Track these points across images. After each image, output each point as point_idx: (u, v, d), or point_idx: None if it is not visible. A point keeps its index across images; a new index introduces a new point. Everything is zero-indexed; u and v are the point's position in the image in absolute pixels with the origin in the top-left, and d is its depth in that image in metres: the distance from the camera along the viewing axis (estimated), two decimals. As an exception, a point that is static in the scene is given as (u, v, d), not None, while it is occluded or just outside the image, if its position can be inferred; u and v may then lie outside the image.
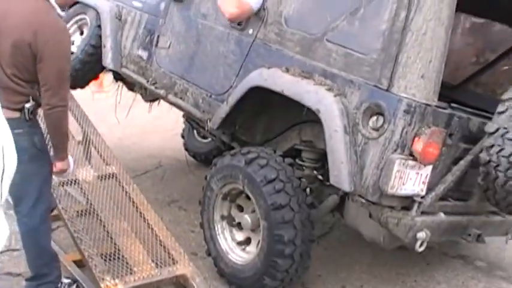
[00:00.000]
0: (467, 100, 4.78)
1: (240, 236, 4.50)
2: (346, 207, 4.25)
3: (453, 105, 3.86)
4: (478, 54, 5.51)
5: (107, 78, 6.44)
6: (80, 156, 5.07)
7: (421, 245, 3.78)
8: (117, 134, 7.64)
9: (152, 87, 5.30)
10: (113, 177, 4.95)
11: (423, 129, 3.57)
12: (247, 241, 4.44)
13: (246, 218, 4.33)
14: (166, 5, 5.32)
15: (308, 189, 4.20)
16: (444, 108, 3.73)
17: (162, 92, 5.20)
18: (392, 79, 3.60)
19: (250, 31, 4.49)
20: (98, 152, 5.26)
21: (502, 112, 3.70)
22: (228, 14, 4.55)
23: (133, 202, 4.72)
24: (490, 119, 3.83)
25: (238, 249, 4.48)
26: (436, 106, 3.65)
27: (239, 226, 4.46)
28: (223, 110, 4.50)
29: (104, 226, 4.41)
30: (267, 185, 4.05)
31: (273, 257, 4.05)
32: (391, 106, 3.57)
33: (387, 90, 3.62)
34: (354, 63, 3.81)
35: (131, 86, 6.26)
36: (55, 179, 4.42)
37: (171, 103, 5.28)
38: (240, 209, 4.45)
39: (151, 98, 6.21)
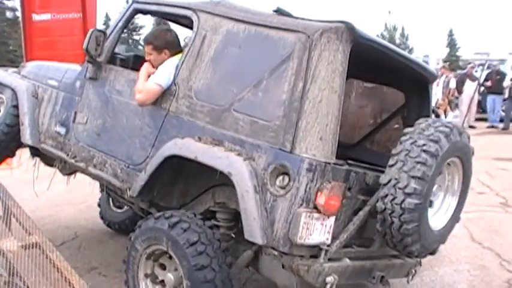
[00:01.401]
0: (364, 157, 5.22)
1: None
2: (260, 261, 4.54)
3: (350, 162, 4.31)
4: (372, 115, 6.00)
5: (24, 153, 6.60)
6: (3, 228, 5.30)
7: None
8: (30, 207, 7.61)
9: (72, 161, 5.51)
10: (36, 246, 5.15)
11: (324, 184, 3.99)
12: None
13: (169, 276, 4.54)
14: (81, 84, 5.60)
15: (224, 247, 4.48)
16: (342, 165, 4.18)
17: (82, 164, 5.43)
18: (294, 142, 4.02)
19: (163, 105, 4.82)
20: (20, 223, 5.49)
21: (393, 165, 4.18)
22: (136, 101, 4.93)
23: (57, 268, 4.91)
24: (383, 172, 4.28)
25: None
26: (334, 163, 4.08)
27: (162, 283, 4.65)
28: (142, 178, 4.78)
29: None
30: (190, 247, 4.27)
31: None
32: (295, 166, 3.98)
33: (290, 152, 4.03)
34: (260, 129, 4.21)
35: (49, 161, 6.46)
36: None
37: (91, 175, 5.50)
38: (163, 267, 4.64)
39: (69, 171, 6.43)
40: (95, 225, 8.09)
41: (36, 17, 15.83)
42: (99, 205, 7.86)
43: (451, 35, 69.54)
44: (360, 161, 4.62)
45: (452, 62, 43.19)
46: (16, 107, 6.10)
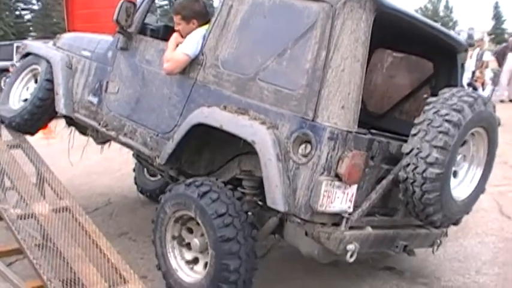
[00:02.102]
0: (393, 127, 5.23)
1: (188, 256, 4.80)
2: (285, 228, 4.62)
3: (373, 131, 4.34)
4: (401, 85, 5.99)
5: (59, 124, 6.76)
6: (35, 192, 5.49)
7: (351, 256, 4.20)
8: (67, 176, 7.91)
9: (104, 130, 5.66)
10: (66, 210, 5.34)
11: (346, 153, 4.03)
12: (195, 261, 4.76)
13: (196, 241, 4.66)
14: (113, 54, 5.72)
15: (250, 213, 4.57)
16: (364, 134, 4.22)
17: (113, 133, 5.58)
18: (316, 111, 4.07)
19: (191, 74, 4.90)
20: (52, 187, 5.70)
21: (415, 134, 4.21)
22: (163, 70, 5.02)
23: (86, 231, 5.10)
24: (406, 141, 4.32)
25: (186, 267, 4.78)
26: (356, 132, 4.12)
27: (188, 246, 4.78)
28: (170, 146, 4.89)
29: (61, 253, 4.72)
30: (218, 219, 4.37)
31: (219, 283, 4.39)
32: (317, 134, 4.03)
33: (313, 120, 4.07)
34: (283, 98, 4.26)
35: (83, 129, 6.62)
36: (13, 213, 5.06)
37: (122, 143, 5.64)
38: (190, 231, 4.76)
39: (102, 140, 6.58)
40: (129, 192, 8.32)
41: None
42: (134, 170, 8.03)
43: (496, 7, 68.25)
44: (388, 131, 4.63)
45: (497, 35, 42.43)
46: (49, 80, 6.26)
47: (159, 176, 7.24)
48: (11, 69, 19.07)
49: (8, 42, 32.73)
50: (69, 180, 7.51)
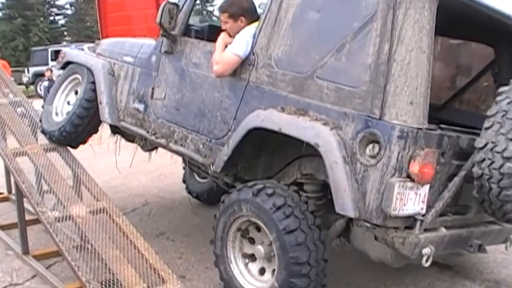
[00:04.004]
0: (453, 118, 4.97)
1: (254, 268, 4.62)
2: (352, 233, 4.43)
3: (442, 126, 4.07)
4: (459, 74, 5.73)
5: (104, 131, 6.62)
6: (73, 195, 5.53)
7: (427, 260, 3.96)
8: (104, 178, 8.03)
9: (153, 138, 5.45)
10: (103, 212, 5.39)
11: (417, 151, 3.77)
12: (262, 271, 4.58)
13: (259, 249, 4.48)
14: (157, 58, 5.50)
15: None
16: (434, 130, 3.94)
17: (163, 141, 5.36)
18: (383, 108, 3.81)
19: (243, 75, 4.67)
20: (89, 189, 5.75)
21: (489, 127, 3.92)
22: (213, 73, 4.80)
23: (123, 232, 5.12)
24: (477, 134, 4.04)
25: (254, 280, 4.61)
26: (426, 129, 3.85)
27: (252, 258, 4.61)
28: (225, 153, 4.67)
29: (99, 254, 4.75)
30: (277, 212, 4.21)
31: (291, 279, 4.18)
32: (386, 133, 3.78)
33: (380, 119, 3.82)
34: (346, 96, 4.01)
35: (130, 137, 6.43)
36: (51, 215, 5.09)
37: (173, 151, 5.44)
38: (252, 241, 4.58)
39: (151, 147, 6.39)
40: (166, 193, 8.44)
41: None
42: (184, 181, 7.98)
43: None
44: (449, 123, 4.35)
45: None
46: (93, 81, 6.07)
47: (208, 178, 7.05)
48: (46, 73, 19.30)
49: (42, 48, 34.05)
50: (106, 182, 7.68)
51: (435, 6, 3.87)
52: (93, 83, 6.06)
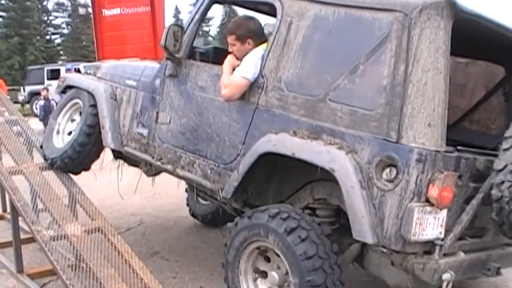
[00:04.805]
0: (464, 138, 4.88)
1: (262, 286, 4.50)
2: (367, 258, 4.33)
3: (459, 147, 3.97)
4: (468, 93, 5.62)
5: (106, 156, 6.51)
6: (68, 214, 5.57)
7: (447, 286, 3.86)
8: (99, 197, 8.00)
9: (159, 163, 5.31)
10: (98, 231, 5.44)
11: (436, 175, 3.67)
12: None
13: (273, 275, 4.34)
14: (161, 82, 5.37)
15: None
16: (451, 152, 3.84)
17: (169, 167, 5.22)
18: (400, 131, 3.72)
19: (252, 99, 4.56)
20: (84, 208, 5.78)
21: (507, 149, 3.83)
22: (222, 96, 4.69)
23: (118, 251, 5.16)
24: (491, 155, 3.97)
25: None
26: (444, 151, 3.75)
27: (263, 275, 4.48)
28: (235, 178, 4.54)
29: (94, 273, 4.77)
30: (291, 235, 4.08)
31: None
32: (403, 157, 3.68)
33: (397, 142, 3.72)
34: (360, 119, 3.91)
35: (133, 162, 6.31)
36: (46, 234, 5.13)
37: (180, 177, 5.31)
38: (267, 259, 4.45)
39: (155, 173, 6.26)
40: (160, 212, 8.48)
41: (106, 12, 16.22)
42: (187, 205, 7.88)
43: None
44: (460, 143, 4.25)
45: None
46: (94, 106, 5.94)
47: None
48: (42, 92, 19.33)
49: (38, 67, 34.56)
50: (101, 201, 7.72)
51: (450, 25, 3.80)
52: (94, 106, 5.94)
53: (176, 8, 69.31)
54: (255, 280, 4.54)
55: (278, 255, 4.26)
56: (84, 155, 6.03)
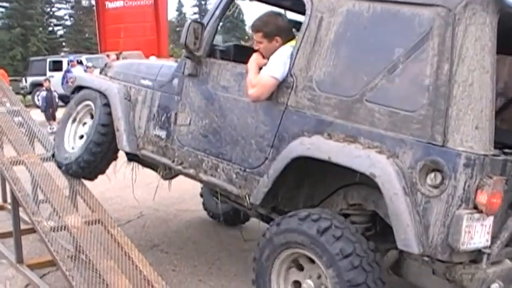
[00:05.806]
0: (496, 138, 4.69)
1: None
2: (405, 266, 4.14)
3: (506, 150, 3.75)
4: (499, 90, 5.42)
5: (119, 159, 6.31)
6: (68, 205, 5.59)
7: None
8: (99, 189, 7.81)
9: (180, 167, 5.08)
10: (98, 223, 5.48)
11: (484, 180, 3.46)
12: None
13: (309, 283, 4.11)
14: (180, 81, 5.14)
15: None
16: (498, 156, 3.63)
17: (191, 171, 4.99)
18: (446, 134, 3.50)
19: (280, 99, 4.33)
20: (84, 200, 5.83)
21: None
22: (249, 96, 4.47)
23: (118, 243, 5.20)
24: None
25: None
26: (492, 155, 3.54)
27: (296, 285, 4.26)
28: (265, 184, 4.32)
29: (93, 265, 4.80)
30: (324, 235, 3.87)
31: None
32: (450, 161, 3.46)
33: (443, 145, 3.51)
34: (401, 121, 3.69)
35: (147, 165, 6.09)
36: (46, 225, 5.16)
37: (203, 182, 5.09)
38: (300, 268, 4.24)
39: (172, 175, 6.02)
40: (160, 205, 8.51)
41: (109, 5, 16.24)
42: (203, 203, 7.83)
43: None
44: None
45: None
46: (107, 105, 5.73)
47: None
48: (44, 83, 19.20)
49: (41, 58, 34.55)
50: (101, 193, 7.69)
51: (496, 21, 3.57)
52: (107, 105, 5.72)
53: (179, 1, 69.25)
54: None
55: (312, 261, 4.04)
56: (100, 156, 5.81)
